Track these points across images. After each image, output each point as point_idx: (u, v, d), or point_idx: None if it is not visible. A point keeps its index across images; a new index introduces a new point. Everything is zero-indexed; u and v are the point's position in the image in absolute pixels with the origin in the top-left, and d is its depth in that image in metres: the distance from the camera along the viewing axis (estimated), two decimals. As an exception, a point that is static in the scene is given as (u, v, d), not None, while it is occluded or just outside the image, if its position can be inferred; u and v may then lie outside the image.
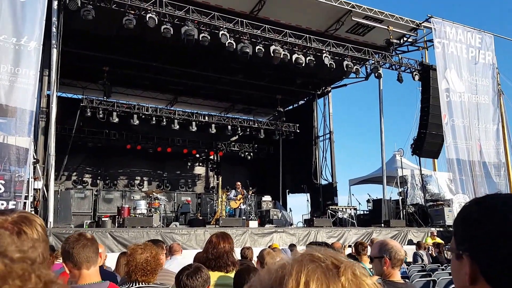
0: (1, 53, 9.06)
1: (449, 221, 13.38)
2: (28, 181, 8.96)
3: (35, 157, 9.45)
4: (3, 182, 8.79)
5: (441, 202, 14.72)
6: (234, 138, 18.20)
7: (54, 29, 9.81)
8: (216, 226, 11.06)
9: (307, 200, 16.02)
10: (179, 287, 2.22)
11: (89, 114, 12.73)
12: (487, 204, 0.79)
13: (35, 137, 9.69)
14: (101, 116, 12.80)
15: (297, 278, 0.58)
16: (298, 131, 16.48)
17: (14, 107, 9.19)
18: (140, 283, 2.48)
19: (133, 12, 10.39)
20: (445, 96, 14.43)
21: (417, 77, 14.72)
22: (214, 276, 2.59)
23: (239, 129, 15.83)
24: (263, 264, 2.79)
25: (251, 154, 18.19)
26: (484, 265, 0.75)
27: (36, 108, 9.54)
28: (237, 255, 3.50)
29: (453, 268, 0.82)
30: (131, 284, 2.47)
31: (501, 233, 0.74)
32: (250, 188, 13.13)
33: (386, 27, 13.78)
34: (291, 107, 19.10)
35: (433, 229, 12.65)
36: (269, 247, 5.79)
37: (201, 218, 13.12)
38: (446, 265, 7.47)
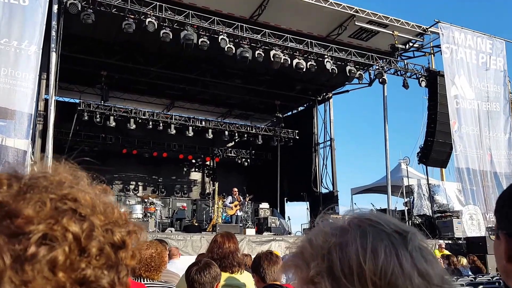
0: (2, 57, 10.07)
1: (458, 233, 13.94)
2: (25, 184, 9.92)
3: (33, 159, 10.45)
4: (1, 184, 9.79)
5: (450, 214, 15.29)
6: (231, 144, 19.20)
7: (53, 33, 10.81)
8: (213, 232, 11.91)
9: (307, 209, 16.87)
10: (188, 282, 2.36)
11: (86, 118, 13.80)
12: None
13: (33, 141, 10.69)
14: (98, 120, 13.88)
15: (363, 245, 0.58)
16: (297, 137, 17.41)
17: (13, 110, 10.19)
18: (144, 279, 2.71)
19: (132, 16, 11.39)
20: (455, 102, 15.03)
21: (423, 83, 15.39)
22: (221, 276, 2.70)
23: (236, 134, 16.81)
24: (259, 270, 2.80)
25: (248, 160, 19.17)
26: None
27: (34, 111, 10.57)
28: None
29: (494, 248, 0.88)
30: (135, 280, 2.66)
31: None
32: (247, 195, 13.97)
33: (391, 32, 14.50)
34: (290, 113, 20.02)
35: (441, 241, 13.11)
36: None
37: (196, 224, 14.04)
38: (456, 277, 7.92)
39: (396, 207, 16.11)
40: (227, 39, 12.34)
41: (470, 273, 9.20)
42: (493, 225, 0.91)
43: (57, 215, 0.46)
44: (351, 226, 0.62)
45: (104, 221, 0.50)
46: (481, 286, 6.12)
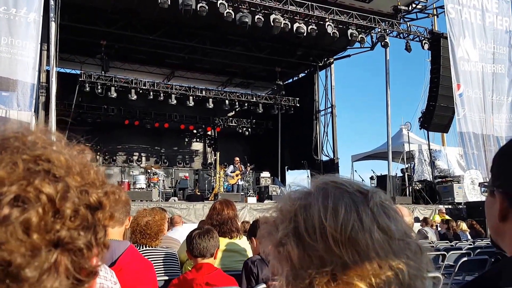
0: (1, 25, 10.12)
1: (459, 198, 14.27)
2: (30, 155, 10.23)
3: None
4: (7, 155, 10.09)
5: (450, 179, 15.64)
6: (231, 113, 19.49)
7: (52, 2, 10.90)
8: (217, 199, 12.35)
9: (307, 177, 17.32)
10: (191, 246, 2.52)
11: (87, 89, 14.08)
12: None
13: (36, 113, 10.94)
14: (99, 91, 14.17)
15: (324, 204, 0.62)
16: (298, 105, 17.65)
17: (16, 79, 10.35)
18: (140, 246, 2.89)
19: (129, -17, 11.45)
20: (461, 65, 15.00)
21: (426, 46, 15.37)
22: (221, 242, 2.88)
23: (236, 103, 17.13)
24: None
25: (249, 129, 19.49)
26: None
27: (37, 81, 10.74)
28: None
29: (486, 205, 0.86)
30: (136, 246, 2.81)
31: None
32: (248, 164, 14.37)
33: (393, -7, 14.64)
34: (290, 80, 20.14)
35: (441, 206, 13.52)
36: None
37: (199, 193, 14.54)
38: (455, 241, 8.13)
39: (396, 173, 16.42)
40: (226, 4, 12.32)
41: (469, 237, 9.49)
42: (486, 181, 0.89)
43: (29, 176, 0.46)
44: (316, 189, 0.66)
45: (79, 182, 0.50)
46: (479, 250, 6.20)
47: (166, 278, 3.02)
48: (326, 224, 0.61)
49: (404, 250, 0.63)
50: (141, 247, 2.91)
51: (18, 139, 0.50)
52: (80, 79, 13.99)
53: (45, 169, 0.48)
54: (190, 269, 2.68)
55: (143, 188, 12.66)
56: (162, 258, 3.06)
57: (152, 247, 2.95)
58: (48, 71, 11.80)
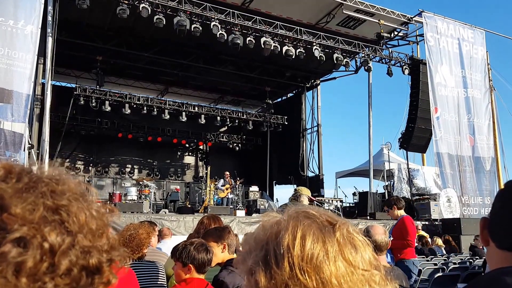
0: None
1: (435, 215, 14.28)
2: (23, 166, 9.92)
3: (29, 142, 10.45)
4: (-1, 165, 9.77)
5: (427, 196, 15.63)
6: (223, 129, 19.39)
7: (49, 18, 10.76)
8: (205, 214, 12.14)
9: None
10: (195, 260, 2.34)
11: (82, 102, 13.82)
12: (509, 183, 0.86)
13: (30, 124, 10.65)
14: (94, 104, 13.92)
15: (293, 233, 0.63)
16: (286, 123, 17.71)
17: (11, 90, 10.03)
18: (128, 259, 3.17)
19: (126, 2, 11.33)
20: (438, 90, 15.29)
21: (407, 71, 15.60)
22: None
23: (228, 120, 17.03)
24: None
25: (239, 145, 19.46)
26: (491, 232, 0.84)
27: (32, 93, 10.47)
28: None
29: None
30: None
31: (504, 214, 0.81)
32: (238, 178, 14.24)
33: (377, 21, 14.74)
34: (279, 99, 20.32)
35: (418, 222, 13.27)
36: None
37: (189, 206, 14.25)
38: (431, 256, 8.14)
39: (377, 190, 16.48)
40: (219, 26, 12.36)
41: (444, 252, 9.52)
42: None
43: (42, 223, 0.45)
44: (288, 218, 0.66)
45: (88, 242, 0.48)
46: (452, 266, 6.29)
47: (152, 291, 2.85)
48: (293, 253, 0.61)
49: (368, 280, 0.63)
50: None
51: (49, 185, 0.50)
52: (75, 92, 13.73)
53: (60, 220, 0.48)
54: (175, 283, 2.51)
55: (134, 200, 12.34)
56: (148, 271, 2.94)
57: (135, 260, 2.88)
58: (43, 84, 11.56)
